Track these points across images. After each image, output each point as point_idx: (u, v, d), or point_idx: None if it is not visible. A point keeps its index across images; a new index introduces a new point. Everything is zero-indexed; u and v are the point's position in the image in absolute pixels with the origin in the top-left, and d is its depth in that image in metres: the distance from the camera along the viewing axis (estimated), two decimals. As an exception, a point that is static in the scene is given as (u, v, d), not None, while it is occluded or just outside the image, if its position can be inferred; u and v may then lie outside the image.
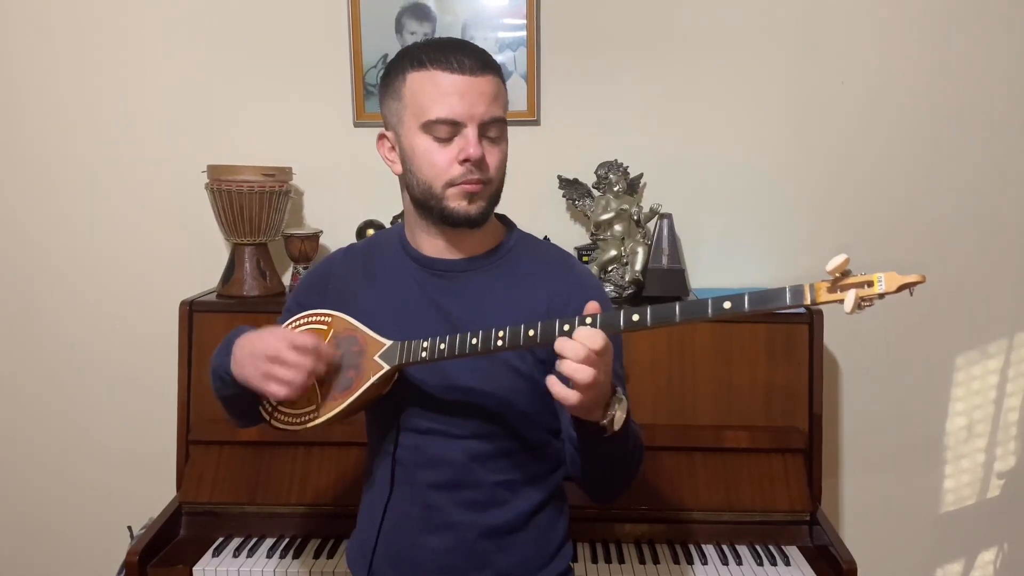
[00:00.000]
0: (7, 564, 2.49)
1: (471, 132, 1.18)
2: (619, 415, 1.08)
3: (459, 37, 1.39)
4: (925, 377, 2.30)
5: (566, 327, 1.05)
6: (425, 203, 1.23)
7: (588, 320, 1.05)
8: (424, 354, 1.16)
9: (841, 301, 0.90)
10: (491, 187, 1.23)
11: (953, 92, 2.19)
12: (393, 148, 1.26)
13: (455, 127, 1.18)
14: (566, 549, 1.37)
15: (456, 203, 1.21)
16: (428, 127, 1.18)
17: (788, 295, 0.94)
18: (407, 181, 1.25)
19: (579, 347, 1.01)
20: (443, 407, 1.26)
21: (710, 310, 0.99)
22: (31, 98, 2.29)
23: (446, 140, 1.19)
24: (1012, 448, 2.33)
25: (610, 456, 1.15)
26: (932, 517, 2.36)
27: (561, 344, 1.02)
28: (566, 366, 1.01)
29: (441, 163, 1.19)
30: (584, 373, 1.00)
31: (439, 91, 1.17)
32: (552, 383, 1.03)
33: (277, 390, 1.15)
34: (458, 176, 1.19)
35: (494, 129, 1.21)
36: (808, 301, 0.93)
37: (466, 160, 1.18)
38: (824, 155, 2.23)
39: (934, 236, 2.24)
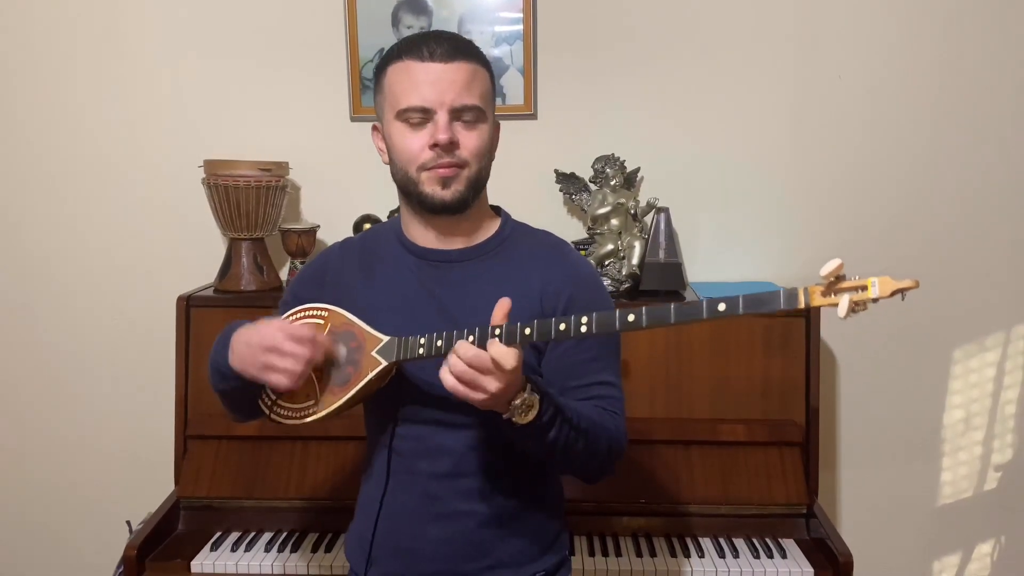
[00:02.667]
0: (6, 560, 2.49)
1: (441, 118, 1.19)
2: (519, 407, 1.11)
3: (454, 31, 1.40)
4: (922, 370, 2.30)
5: (562, 326, 1.07)
6: (405, 190, 1.26)
7: (584, 321, 1.06)
8: (421, 351, 1.16)
9: (835, 306, 0.92)
10: (468, 171, 1.23)
11: (952, 86, 2.19)
12: (383, 139, 1.29)
13: (426, 113, 1.20)
14: (563, 538, 1.39)
15: (430, 188, 1.22)
16: (401, 115, 1.21)
17: (782, 298, 0.95)
18: (391, 170, 1.28)
19: (471, 351, 1.06)
20: (441, 397, 1.25)
21: (705, 312, 1.00)
22: (26, 95, 2.28)
23: (419, 126, 1.21)
24: (1009, 441, 2.34)
25: (531, 446, 1.17)
26: (929, 510, 2.37)
27: (460, 347, 1.06)
28: (455, 366, 1.06)
29: (413, 148, 1.21)
30: (468, 374, 1.05)
31: (411, 80, 1.20)
32: (444, 373, 1.08)
33: (278, 380, 1.16)
34: (429, 160, 1.21)
35: (468, 114, 1.22)
36: (802, 305, 0.94)
37: (436, 145, 1.19)
38: (821, 149, 2.22)
39: (932, 230, 2.24)
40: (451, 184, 1.22)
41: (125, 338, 2.35)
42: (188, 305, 2.04)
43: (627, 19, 2.18)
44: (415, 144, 1.21)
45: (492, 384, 1.06)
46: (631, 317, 1.03)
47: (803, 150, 2.23)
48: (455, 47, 1.21)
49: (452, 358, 1.07)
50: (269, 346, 1.15)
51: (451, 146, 1.20)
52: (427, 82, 1.19)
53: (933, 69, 2.18)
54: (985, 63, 2.17)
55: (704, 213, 2.25)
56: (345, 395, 1.21)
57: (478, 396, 1.07)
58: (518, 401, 1.11)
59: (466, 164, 1.22)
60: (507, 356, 1.05)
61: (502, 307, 1.09)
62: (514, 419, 1.12)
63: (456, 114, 1.20)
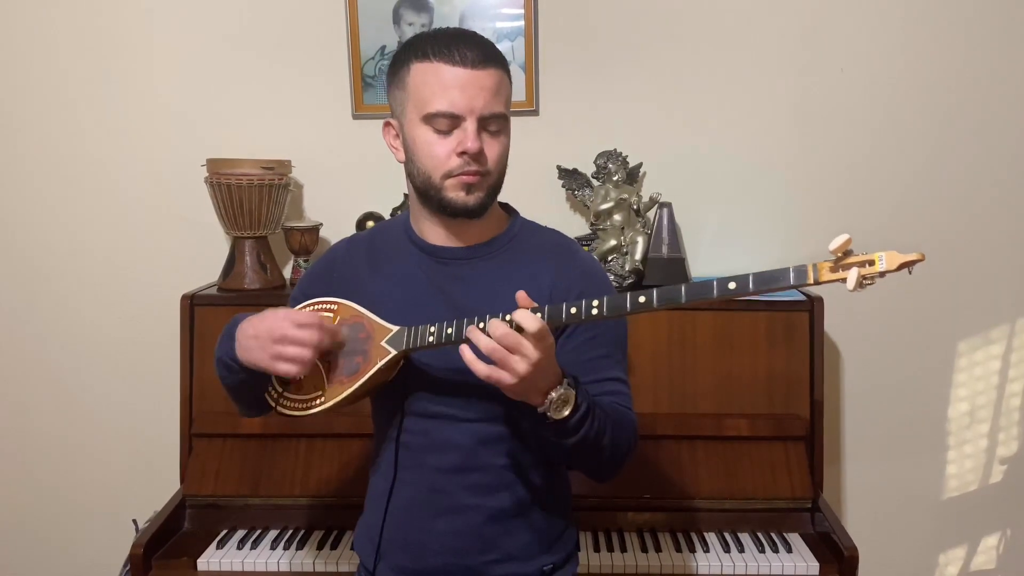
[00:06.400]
0: (14, 558, 2.49)
1: (470, 125, 1.19)
2: (556, 401, 1.11)
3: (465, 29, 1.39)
4: (927, 363, 2.30)
5: (572, 310, 1.07)
6: (425, 192, 1.25)
7: (595, 303, 1.07)
8: (431, 339, 1.17)
9: (843, 280, 0.93)
10: (490, 179, 1.24)
11: (955, 79, 2.19)
12: (397, 136, 1.28)
13: (455, 120, 1.19)
14: (570, 532, 1.39)
15: (454, 194, 1.22)
16: (429, 119, 1.20)
17: (792, 275, 0.97)
18: (409, 170, 1.27)
19: (501, 325, 1.05)
20: (450, 391, 1.27)
21: (715, 290, 1.01)
22: (29, 95, 2.28)
23: (446, 132, 1.20)
24: (1015, 433, 2.33)
25: (562, 442, 1.16)
26: (935, 503, 2.37)
27: (491, 323, 1.07)
28: (481, 340, 1.06)
29: (440, 155, 1.21)
30: (497, 352, 1.05)
31: (440, 84, 1.19)
32: (465, 351, 1.08)
33: (288, 368, 1.17)
34: (456, 168, 1.20)
35: (494, 123, 1.22)
36: (811, 280, 0.95)
37: (464, 153, 1.19)
38: (823, 143, 2.22)
39: (935, 223, 2.24)
40: (474, 191, 1.22)
41: (129, 338, 2.35)
42: (192, 304, 2.04)
43: (628, 14, 2.18)
44: (442, 150, 1.20)
45: (521, 365, 1.06)
46: (642, 298, 1.04)
47: (806, 144, 2.22)
48: (485, 53, 1.20)
49: (482, 338, 1.06)
50: (277, 336, 1.17)
51: (479, 155, 1.20)
52: (457, 87, 1.18)
53: (936, 61, 2.18)
54: (989, 55, 2.17)
55: (707, 208, 2.24)
56: (353, 385, 1.22)
57: (508, 379, 1.06)
58: (555, 395, 1.11)
59: (489, 173, 1.23)
60: (530, 321, 1.05)
61: (523, 299, 1.10)
62: (549, 414, 1.12)
63: (484, 122, 1.20)
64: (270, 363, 1.18)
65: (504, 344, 1.05)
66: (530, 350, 1.05)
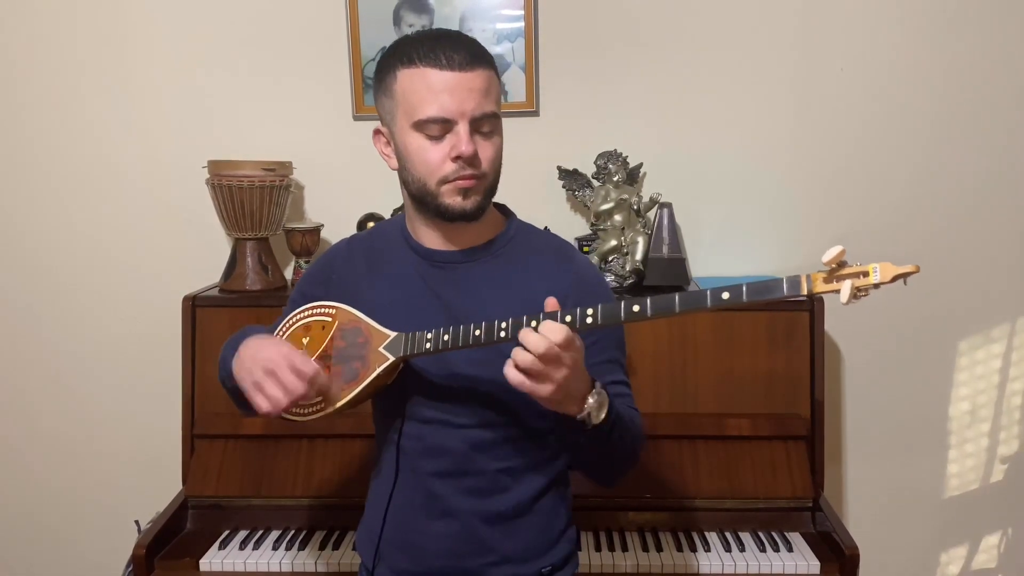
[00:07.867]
0: (16, 560, 2.50)
1: (462, 129, 1.18)
2: (595, 407, 1.11)
3: (455, 29, 1.39)
4: (928, 362, 2.30)
5: (568, 319, 1.07)
6: (421, 199, 1.24)
7: (590, 312, 1.07)
8: (428, 345, 1.17)
9: (837, 291, 0.92)
10: (485, 181, 1.23)
11: (954, 78, 2.18)
12: (389, 144, 1.27)
13: (446, 125, 1.18)
14: (569, 534, 1.39)
15: (451, 199, 1.21)
16: (420, 126, 1.19)
17: (785, 286, 0.96)
18: (403, 177, 1.26)
19: (540, 340, 1.03)
20: (445, 396, 1.27)
21: (709, 301, 1.01)
22: (30, 97, 2.29)
23: (438, 138, 1.19)
24: (1016, 432, 2.33)
25: (594, 448, 1.17)
26: (936, 502, 2.37)
27: (524, 335, 1.05)
28: (519, 356, 1.04)
29: (434, 161, 1.19)
30: (536, 365, 1.03)
31: (429, 89, 1.17)
32: (509, 369, 1.06)
33: (260, 403, 1.17)
34: (451, 173, 1.20)
35: (487, 124, 1.20)
36: (805, 292, 0.95)
37: (458, 157, 1.18)
38: (823, 142, 2.22)
39: (936, 222, 2.24)
40: (471, 195, 1.21)
41: (131, 339, 2.35)
42: (194, 305, 2.05)
43: (628, 14, 2.18)
44: (435, 156, 1.19)
45: (559, 372, 1.05)
46: (636, 307, 1.04)
47: (805, 144, 2.22)
48: (472, 54, 1.19)
49: (518, 352, 1.05)
50: (269, 369, 1.16)
51: (473, 158, 1.19)
52: (446, 91, 1.16)
53: (935, 61, 2.18)
54: (988, 54, 2.17)
55: (707, 208, 2.25)
56: (353, 391, 1.22)
57: (546, 388, 1.06)
58: (592, 400, 1.11)
59: (485, 175, 1.22)
60: (558, 332, 1.04)
61: (552, 304, 1.09)
62: (591, 416, 1.11)
63: (476, 124, 1.19)
64: (250, 389, 1.18)
65: (546, 358, 1.04)
66: (566, 358, 1.05)
